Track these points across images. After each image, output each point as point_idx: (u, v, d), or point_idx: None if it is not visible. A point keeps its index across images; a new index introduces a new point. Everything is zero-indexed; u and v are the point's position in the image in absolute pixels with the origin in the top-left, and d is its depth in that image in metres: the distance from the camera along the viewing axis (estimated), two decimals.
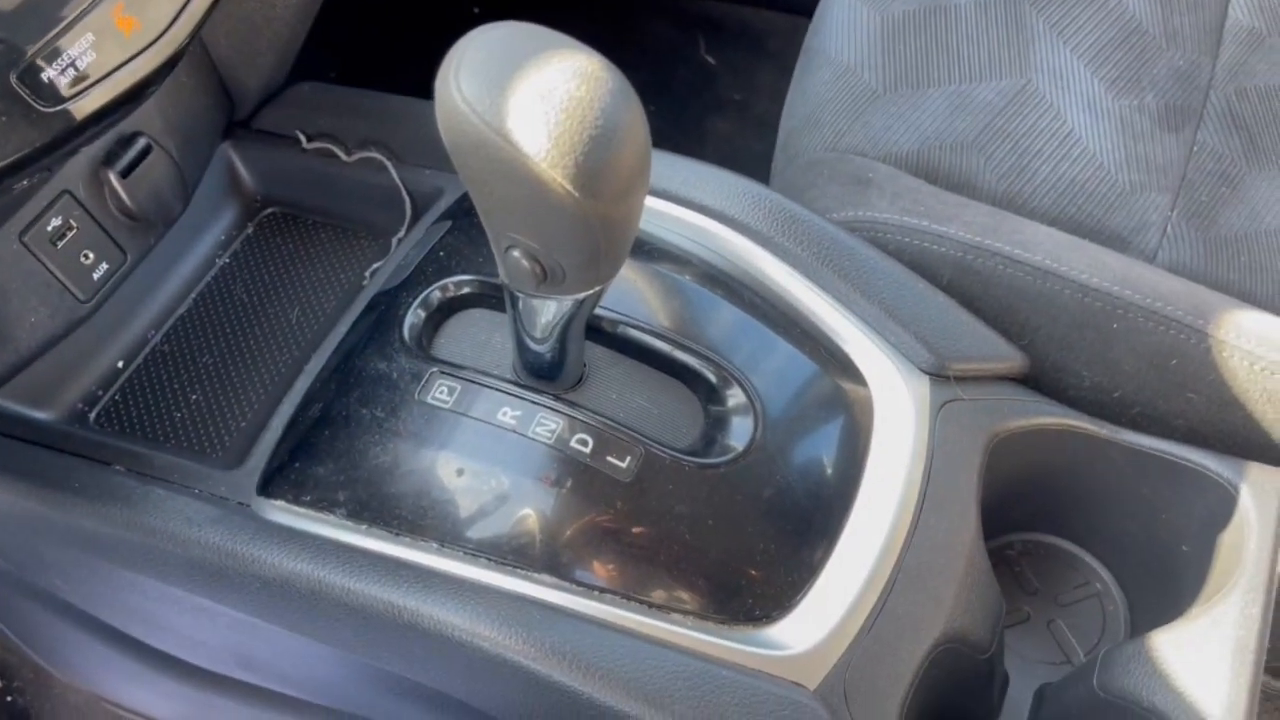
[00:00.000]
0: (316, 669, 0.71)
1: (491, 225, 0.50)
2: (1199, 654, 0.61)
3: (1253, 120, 0.89)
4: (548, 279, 0.52)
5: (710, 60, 1.59)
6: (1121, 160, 0.85)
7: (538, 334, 0.59)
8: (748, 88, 1.60)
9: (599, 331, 0.66)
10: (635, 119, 0.45)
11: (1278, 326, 0.70)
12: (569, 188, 0.45)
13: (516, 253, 0.50)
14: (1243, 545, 0.65)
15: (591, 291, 0.54)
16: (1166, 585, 0.72)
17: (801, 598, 0.61)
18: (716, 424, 0.64)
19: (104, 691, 0.94)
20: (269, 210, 0.86)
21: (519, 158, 0.44)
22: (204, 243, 0.83)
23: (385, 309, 0.68)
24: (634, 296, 0.67)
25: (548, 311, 0.57)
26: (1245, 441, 0.72)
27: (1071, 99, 0.87)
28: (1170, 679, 0.61)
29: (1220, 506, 0.68)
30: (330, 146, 0.83)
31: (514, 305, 0.58)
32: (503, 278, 0.53)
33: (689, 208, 0.71)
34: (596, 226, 0.47)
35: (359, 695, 0.72)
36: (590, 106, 0.44)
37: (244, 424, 0.73)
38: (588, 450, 0.60)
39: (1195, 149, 0.87)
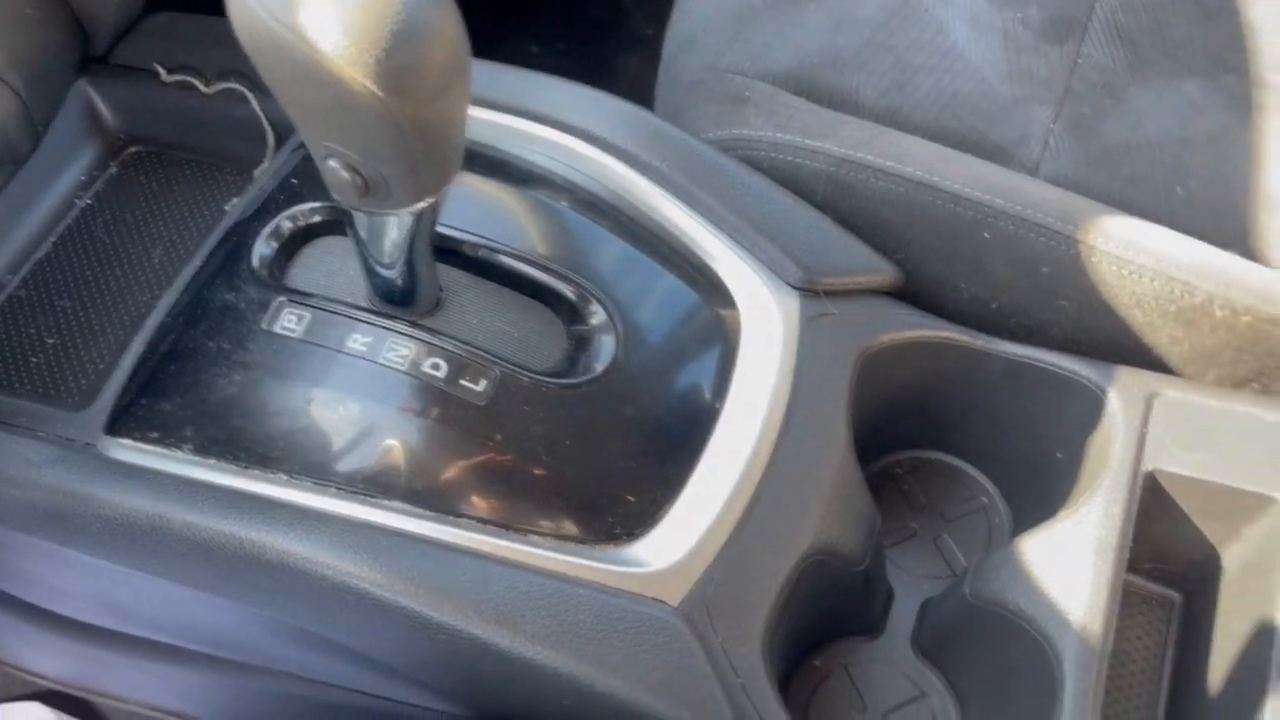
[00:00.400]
0: (185, 614, 0.69)
1: (305, 134, 0.48)
2: (1062, 556, 0.62)
3: (1137, 32, 0.88)
4: (371, 191, 0.50)
5: None
6: (1004, 73, 0.84)
7: (383, 257, 0.58)
8: (660, 23, 1.58)
9: (457, 255, 0.64)
10: (444, 13, 0.44)
11: (1144, 230, 0.70)
12: (371, 87, 0.43)
13: (334, 163, 0.48)
14: (1109, 447, 0.65)
15: (423, 205, 0.52)
16: (1045, 494, 0.72)
17: (664, 514, 0.60)
18: (579, 344, 0.63)
19: None
20: (133, 149, 0.83)
21: (315, 56, 0.42)
22: (63, 183, 0.80)
23: (237, 240, 0.65)
24: (493, 218, 0.65)
25: (387, 231, 0.55)
26: (1119, 346, 0.72)
27: (954, 12, 0.86)
28: (1034, 582, 0.61)
29: (1090, 412, 0.68)
30: (190, 79, 0.80)
31: (354, 227, 0.56)
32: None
33: (552, 126, 0.69)
34: (409, 130, 0.46)
35: (236, 640, 0.71)
36: (391, 3, 0.42)
37: (101, 366, 0.70)
38: (441, 375, 0.59)
39: (1079, 61, 0.86)
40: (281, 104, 0.47)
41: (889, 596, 0.75)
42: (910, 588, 0.76)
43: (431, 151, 0.48)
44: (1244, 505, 0.63)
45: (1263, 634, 0.59)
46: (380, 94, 0.43)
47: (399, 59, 0.42)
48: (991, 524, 0.79)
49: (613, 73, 1.52)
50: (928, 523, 0.79)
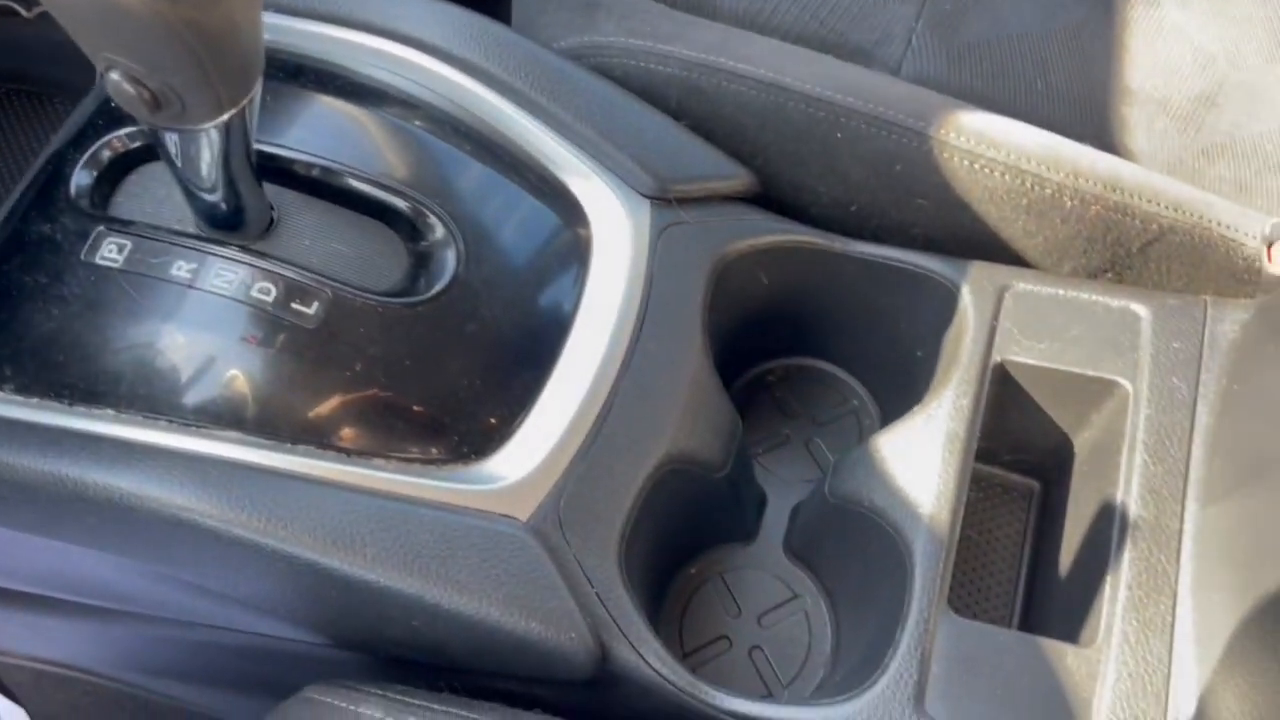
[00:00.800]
0: (44, 563, 0.67)
1: (82, 44, 0.45)
2: (913, 450, 0.62)
3: None
4: (162, 106, 0.47)
5: None
6: None
7: (200, 179, 0.55)
8: None
9: (288, 174, 0.62)
10: None
11: (995, 124, 0.70)
12: None
13: (116, 75, 0.46)
14: (962, 342, 0.66)
15: (222, 119, 0.49)
16: (910, 392, 0.72)
17: (515, 431, 0.59)
18: (419, 262, 0.61)
19: None
20: None
21: None
22: None
23: (54, 170, 0.62)
24: (327, 134, 0.63)
25: (198, 150, 0.52)
26: (977, 243, 0.72)
27: None
28: (887, 477, 0.62)
29: (945, 308, 0.69)
30: (11, 4, 0.75)
31: (164, 148, 0.53)
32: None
33: (387, 37, 0.67)
34: (189, 37, 0.43)
35: (99, 585, 0.69)
36: None
37: None
38: (270, 299, 0.57)
39: None
40: (50, 9, 0.44)
41: (761, 502, 0.75)
42: (784, 493, 0.76)
43: (220, 60, 0.45)
44: (1090, 391, 0.64)
45: (1105, 513, 0.61)
46: None
47: None
48: (862, 425, 0.80)
49: None
50: (800, 428, 0.80)
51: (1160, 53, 0.82)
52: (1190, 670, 0.53)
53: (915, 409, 0.65)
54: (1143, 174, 0.72)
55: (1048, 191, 0.69)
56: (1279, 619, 0.46)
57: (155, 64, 0.44)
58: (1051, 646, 0.56)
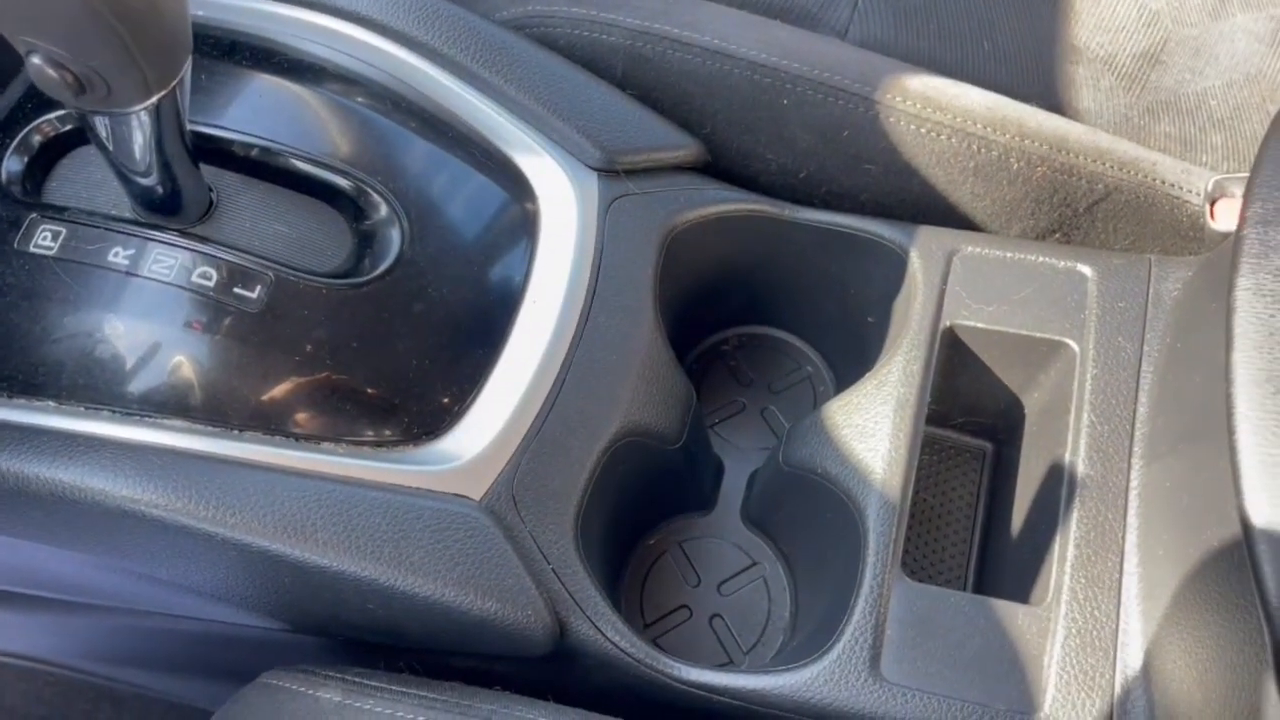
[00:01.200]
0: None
1: (1, 29, 0.44)
2: (864, 416, 0.63)
3: None
4: (87, 90, 0.46)
5: None
6: None
7: (132, 163, 0.54)
8: None
9: (227, 156, 0.60)
10: None
11: (939, 86, 0.69)
12: None
13: (38, 59, 0.44)
14: (912, 307, 0.66)
15: (152, 102, 0.48)
16: (863, 358, 0.73)
17: (467, 410, 0.59)
18: (364, 242, 0.61)
19: None
20: None
21: None
22: None
23: None
24: (265, 113, 0.62)
25: (128, 133, 0.51)
26: (926, 207, 0.72)
27: None
28: (838, 444, 0.62)
29: (895, 274, 0.69)
30: None
31: (94, 132, 0.52)
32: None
33: (326, 12, 0.65)
34: (110, 17, 0.42)
35: (55, 579, 0.68)
36: None
37: None
38: (211, 284, 0.56)
39: None
40: None
41: (719, 472, 0.76)
42: (741, 461, 0.76)
43: (144, 40, 0.44)
44: (1038, 352, 0.65)
45: (1055, 472, 0.62)
46: None
47: None
48: (816, 391, 0.80)
49: None
50: (755, 396, 0.80)
51: (1105, 11, 0.82)
52: (1136, 626, 0.54)
53: (866, 375, 0.65)
54: (1089, 134, 0.72)
55: (994, 154, 0.69)
56: (1219, 574, 0.47)
57: (77, 47, 0.43)
58: (1003, 607, 0.57)
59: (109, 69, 0.45)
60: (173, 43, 0.46)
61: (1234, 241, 0.47)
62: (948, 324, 0.65)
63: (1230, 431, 0.42)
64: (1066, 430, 0.61)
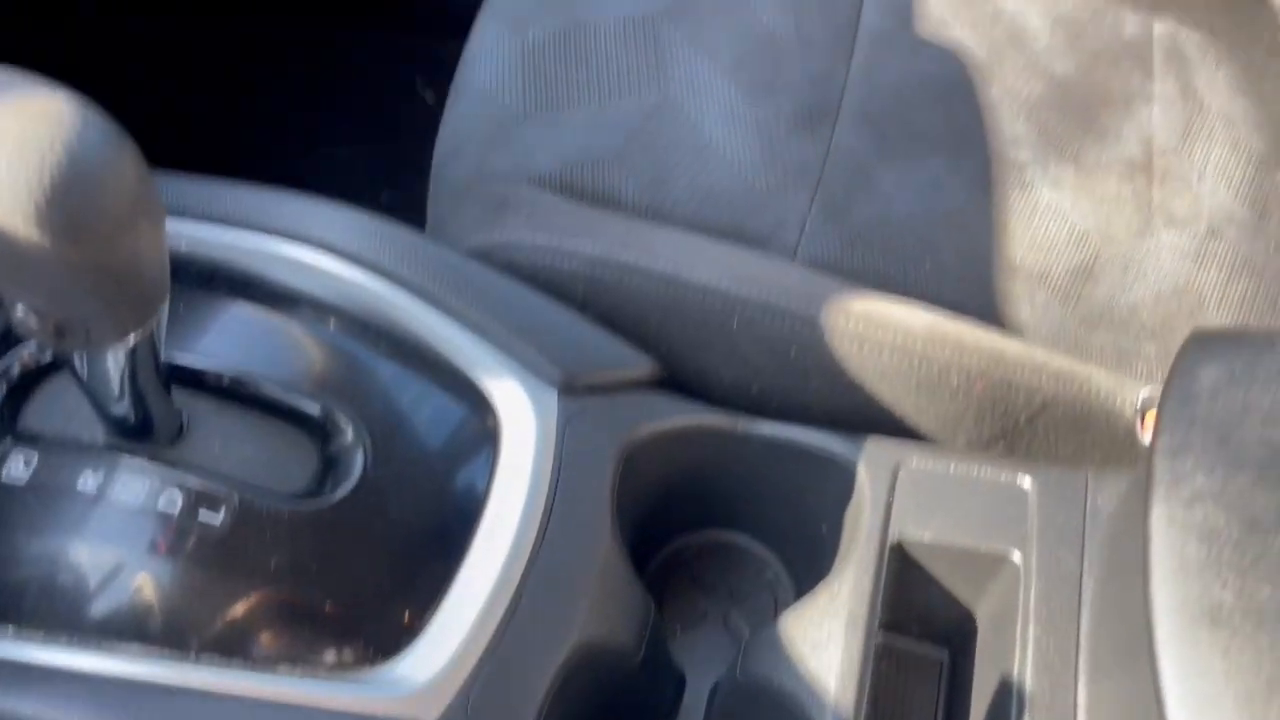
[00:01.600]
0: None
1: None
2: (816, 630, 0.64)
3: (882, 116, 0.94)
4: (67, 334, 0.49)
5: (429, 97, 1.57)
6: (759, 164, 0.88)
7: (108, 395, 0.56)
8: None
9: (199, 383, 0.63)
10: (112, 156, 0.44)
11: (880, 307, 0.74)
12: (38, 236, 0.42)
13: (20, 309, 0.47)
14: (861, 518, 0.68)
15: (127, 343, 0.51)
16: (819, 565, 0.74)
17: (423, 630, 0.59)
18: (329, 464, 0.63)
19: None
20: None
21: None
22: None
23: None
24: (234, 341, 0.65)
25: (105, 369, 0.54)
26: (873, 419, 0.75)
27: (709, 109, 0.90)
28: (793, 659, 0.63)
29: (844, 485, 0.71)
30: None
31: (70, 366, 0.55)
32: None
33: (295, 241, 0.70)
34: (93, 276, 0.45)
35: None
36: (50, 146, 0.41)
37: None
38: (176, 509, 0.58)
39: (831, 147, 0.91)
40: None
41: (680, 684, 0.76)
42: (703, 671, 0.76)
43: (124, 293, 0.47)
44: (984, 565, 0.67)
45: (1005, 687, 0.62)
46: (48, 243, 0.42)
47: (64, 206, 0.42)
48: (778, 597, 0.81)
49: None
50: (717, 602, 0.81)
51: (1038, 230, 0.88)
52: None
53: (820, 586, 0.66)
54: (1025, 349, 0.76)
55: (934, 369, 0.73)
56: None
57: (59, 302, 0.46)
58: None
59: (89, 318, 0.48)
60: (151, 290, 0.50)
61: (1145, 470, 0.50)
62: (895, 539, 0.67)
63: (1151, 660, 0.44)
64: (1014, 644, 0.62)
